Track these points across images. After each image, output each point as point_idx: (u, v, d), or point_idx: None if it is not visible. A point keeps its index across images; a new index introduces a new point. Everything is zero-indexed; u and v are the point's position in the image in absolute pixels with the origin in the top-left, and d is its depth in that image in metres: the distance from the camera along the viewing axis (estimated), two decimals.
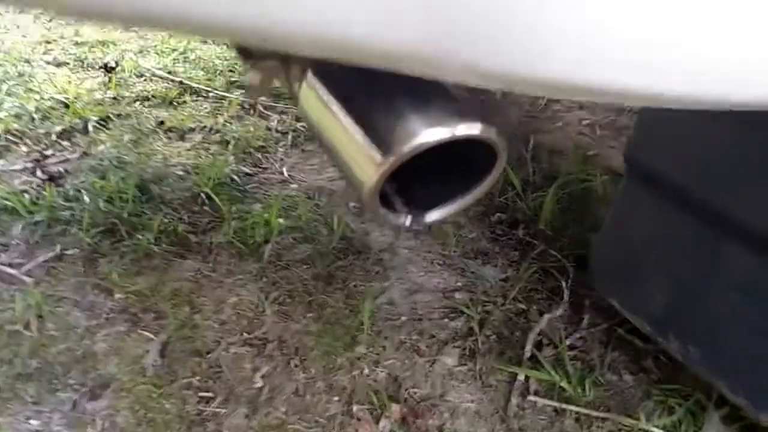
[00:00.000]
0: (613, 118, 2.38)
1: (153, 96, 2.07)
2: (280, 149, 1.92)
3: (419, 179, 0.57)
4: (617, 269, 0.84)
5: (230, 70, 2.28)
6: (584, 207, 1.77)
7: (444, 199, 0.59)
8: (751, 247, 0.67)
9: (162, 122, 1.94)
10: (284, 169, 1.83)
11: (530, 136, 2.12)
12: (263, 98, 2.08)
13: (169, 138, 1.89)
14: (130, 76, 2.17)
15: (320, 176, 1.82)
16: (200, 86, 2.15)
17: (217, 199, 1.61)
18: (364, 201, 0.53)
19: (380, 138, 0.50)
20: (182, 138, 1.90)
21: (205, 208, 1.62)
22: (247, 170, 1.80)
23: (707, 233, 0.71)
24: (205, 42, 2.48)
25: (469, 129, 0.49)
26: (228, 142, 1.89)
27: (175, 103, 2.06)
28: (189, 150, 1.85)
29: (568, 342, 1.33)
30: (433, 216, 0.59)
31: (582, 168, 1.91)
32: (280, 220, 1.56)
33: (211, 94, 2.12)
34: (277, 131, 2.00)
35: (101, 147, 1.80)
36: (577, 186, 1.84)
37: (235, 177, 1.75)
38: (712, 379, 0.77)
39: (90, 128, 1.87)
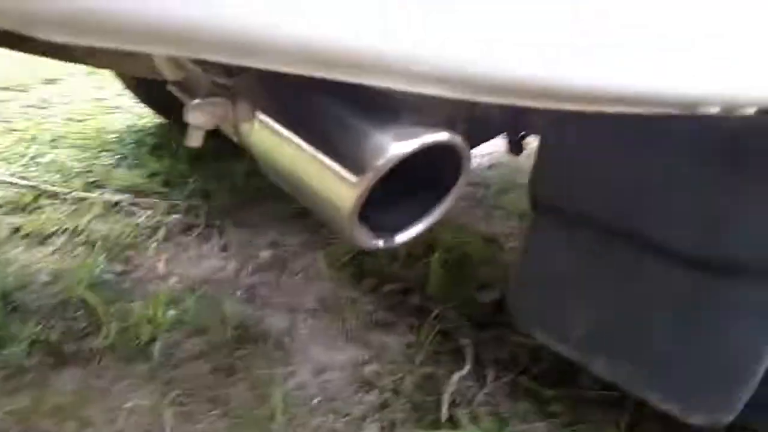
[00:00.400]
0: (470, 191, 2.54)
1: (4, 203, 1.90)
2: (152, 245, 1.82)
3: (383, 203, 0.57)
4: (536, 302, 0.88)
5: (88, 171, 2.16)
6: (467, 269, 1.85)
7: (409, 221, 0.59)
8: (669, 262, 0.74)
9: (17, 229, 1.78)
10: (160, 264, 1.73)
11: None
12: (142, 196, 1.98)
13: (28, 244, 1.73)
14: None
15: (200, 267, 1.75)
16: (57, 189, 2.01)
17: (91, 302, 1.48)
18: (343, 226, 0.52)
19: (350, 160, 0.50)
20: (42, 243, 1.75)
21: (79, 313, 1.48)
22: (119, 269, 1.68)
23: (622, 253, 0.77)
24: (55, 146, 2.34)
25: (437, 137, 0.50)
26: (94, 243, 1.77)
27: (30, 209, 1.90)
28: (52, 255, 1.70)
29: (478, 399, 1.34)
30: (403, 237, 0.59)
31: (456, 236, 2.00)
32: (169, 312, 1.46)
33: (69, 196, 1.99)
34: (146, 227, 1.90)
35: None
36: (457, 252, 1.92)
37: (108, 277, 1.63)
38: (643, 392, 0.81)
39: None
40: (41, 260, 1.67)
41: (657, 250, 0.74)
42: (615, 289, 0.79)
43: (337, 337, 1.52)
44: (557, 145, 0.82)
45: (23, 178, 2.06)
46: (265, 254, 1.85)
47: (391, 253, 1.87)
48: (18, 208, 1.89)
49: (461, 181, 0.58)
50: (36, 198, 1.96)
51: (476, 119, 1.19)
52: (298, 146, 0.54)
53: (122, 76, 2.34)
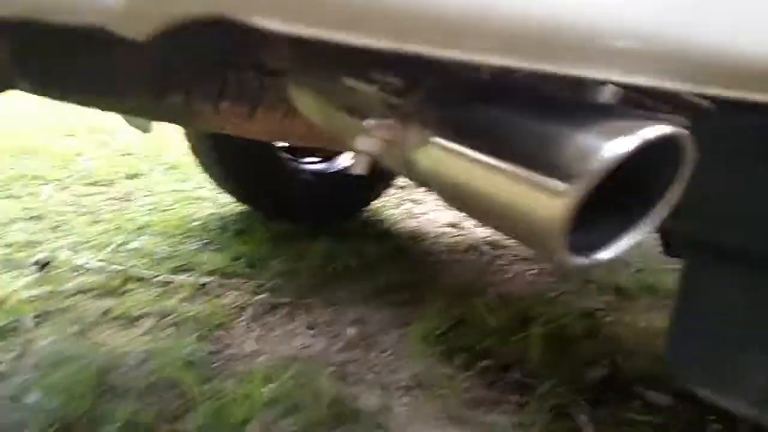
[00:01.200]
0: (556, 266, 2.46)
1: (93, 287, 1.92)
2: (241, 324, 1.80)
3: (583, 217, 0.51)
4: (701, 355, 0.78)
5: (173, 256, 2.18)
6: (568, 343, 1.74)
7: (613, 236, 0.53)
8: None
9: (106, 312, 1.78)
10: (249, 343, 1.70)
11: (488, 288, 2.13)
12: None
13: (117, 327, 1.73)
14: (65, 272, 2.03)
15: (290, 345, 1.70)
16: (143, 273, 2.03)
17: (183, 381, 1.45)
18: (550, 244, 0.46)
19: (556, 167, 0.44)
20: (132, 325, 1.74)
21: (171, 393, 1.44)
22: (210, 349, 1.65)
23: None
24: (141, 234, 2.39)
25: (660, 130, 0.44)
26: (183, 324, 1.75)
27: (118, 292, 1.91)
28: (141, 336, 1.69)
29: None
30: (609, 253, 0.53)
31: (550, 309, 1.91)
32: (264, 390, 1.41)
33: (156, 280, 2.00)
34: (233, 307, 1.88)
35: (42, 343, 1.61)
36: (553, 325, 1.82)
37: (198, 357, 1.59)
38: None
39: (26, 325, 1.69)
40: (131, 342, 1.65)
41: None
42: None
43: (437, 416, 1.43)
44: (706, 176, 0.76)
45: (110, 263, 2.09)
46: (352, 331, 1.80)
47: (482, 328, 1.79)
48: (106, 292, 1.91)
49: (679, 185, 0.50)
50: (124, 282, 1.97)
51: None
52: (487, 164, 0.49)
53: (210, 168, 2.41)
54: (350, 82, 0.59)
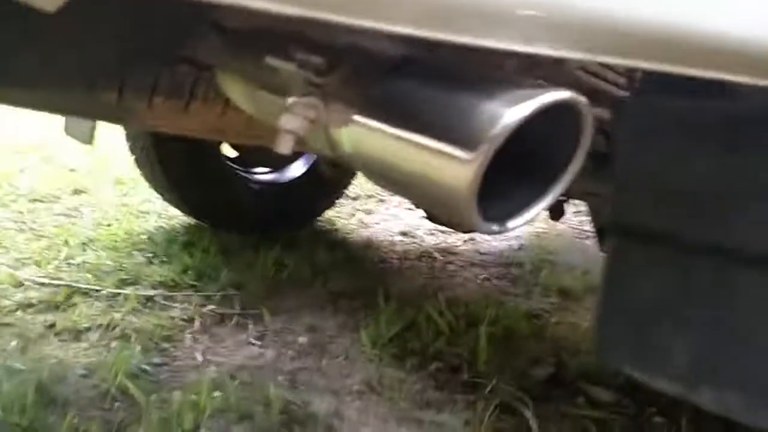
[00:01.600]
0: (504, 270, 2.51)
1: (38, 302, 1.87)
2: (188, 336, 1.78)
3: (495, 189, 0.53)
4: (626, 336, 0.82)
5: (120, 269, 2.14)
6: (515, 343, 1.78)
7: (522, 205, 0.55)
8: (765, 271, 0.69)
9: (52, 325, 1.74)
10: (197, 355, 1.68)
11: (439, 293, 2.15)
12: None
13: (63, 340, 1.69)
14: (6, 288, 1.96)
15: (238, 355, 1.69)
16: (89, 286, 1.98)
17: (133, 391, 1.42)
18: (461, 211, 0.48)
19: (463, 136, 0.47)
20: (77, 339, 1.70)
21: (117, 404, 1.42)
22: (156, 361, 1.62)
23: (718, 271, 0.72)
24: (86, 249, 2.34)
25: (558, 95, 0.47)
26: (130, 337, 1.72)
27: (63, 307, 1.87)
28: (87, 349, 1.65)
29: None
30: (518, 221, 0.55)
31: (498, 311, 1.94)
32: (212, 399, 1.39)
33: (102, 293, 1.96)
34: (181, 320, 1.86)
35: None
36: (502, 327, 1.86)
37: (145, 368, 1.57)
38: (758, 424, 0.74)
39: None
40: (76, 355, 1.62)
41: (751, 260, 0.70)
42: (712, 310, 0.74)
43: (388, 418, 1.43)
44: (634, 163, 0.80)
45: (56, 278, 2.04)
46: (304, 339, 1.79)
47: (433, 331, 1.81)
48: (50, 306, 1.86)
49: (580, 152, 0.53)
50: (68, 297, 1.93)
51: None
52: (403, 138, 0.51)
53: (155, 181, 2.38)
54: (272, 61, 0.61)
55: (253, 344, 1.76)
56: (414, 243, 2.74)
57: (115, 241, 2.41)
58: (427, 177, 0.50)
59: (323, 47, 0.57)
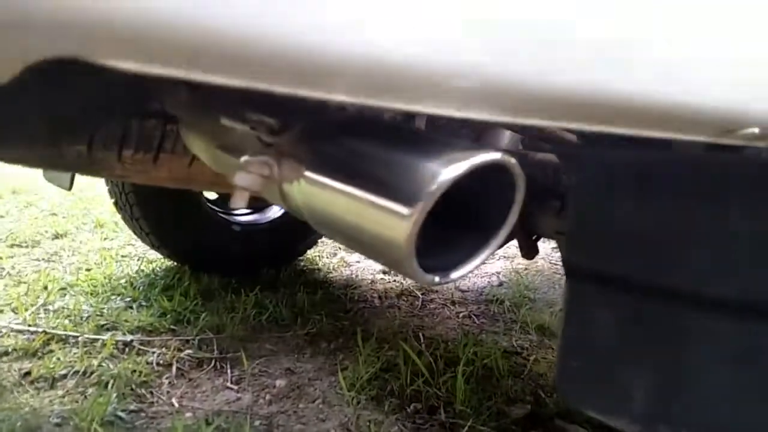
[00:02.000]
0: (484, 308, 2.52)
1: (13, 349, 1.85)
2: (165, 382, 1.77)
3: (438, 243, 0.55)
4: (587, 378, 0.83)
5: (98, 315, 2.13)
6: (491, 382, 1.78)
7: (464, 257, 0.58)
8: (726, 316, 0.71)
9: (27, 373, 1.72)
10: (174, 400, 1.67)
11: (419, 332, 2.16)
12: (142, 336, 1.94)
13: (38, 389, 1.67)
14: None
15: (215, 401, 1.68)
16: (67, 333, 1.97)
17: None
18: (401, 263, 0.50)
19: (401, 193, 0.49)
20: (53, 386, 1.69)
21: None
22: (132, 407, 1.61)
23: (673, 315, 0.74)
24: (65, 294, 2.33)
25: (488, 157, 0.50)
26: (107, 383, 1.71)
27: (39, 354, 1.85)
28: (63, 397, 1.64)
29: None
30: (459, 273, 0.57)
31: (477, 350, 1.95)
32: None
33: (79, 339, 1.95)
34: (158, 365, 1.85)
35: None
36: (478, 365, 1.86)
37: (120, 415, 1.55)
38: None
39: None
40: (52, 402, 1.60)
41: (711, 308, 0.72)
42: (666, 352, 0.76)
43: None
44: (587, 208, 0.82)
45: (33, 324, 2.03)
46: (281, 382, 1.79)
47: (413, 370, 1.81)
48: (28, 353, 1.85)
49: (515, 207, 0.56)
50: (46, 343, 1.92)
51: None
52: (348, 194, 0.54)
53: (135, 225, 2.39)
54: (226, 121, 0.64)
55: (231, 388, 1.75)
56: (395, 281, 2.75)
57: (95, 286, 2.40)
58: (370, 230, 0.53)
59: (276, 109, 0.60)
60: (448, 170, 0.49)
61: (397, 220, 0.49)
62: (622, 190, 0.82)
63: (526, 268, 3.03)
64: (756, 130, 0.49)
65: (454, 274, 0.58)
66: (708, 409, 0.75)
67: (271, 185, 0.62)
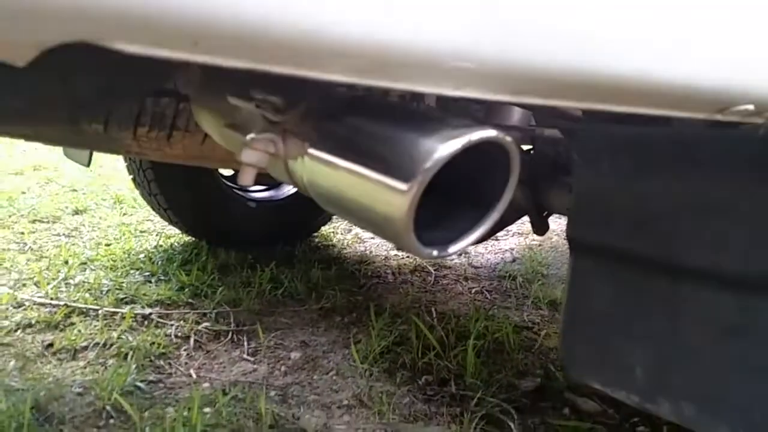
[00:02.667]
0: (497, 283, 2.54)
1: (36, 322, 1.91)
2: (183, 353, 1.81)
3: (436, 218, 0.57)
4: (589, 350, 0.85)
5: (118, 288, 2.18)
6: (502, 356, 1.81)
7: (462, 232, 0.60)
8: (720, 289, 0.72)
9: (50, 345, 1.78)
10: (192, 371, 1.71)
11: (431, 307, 2.19)
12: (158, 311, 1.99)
13: (60, 360, 1.73)
14: (6, 308, 2.01)
15: (231, 372, 1.72)
16: (88, 306, 2.03)
17: (127, 408, 1.46)
18: (400, 238, 0.53)
19: (400, 169, 0.51)
20: (74, 357, 1.74)
21: (112, 421, 1.45)
22: (151, 378, 1.66)
23: (670, 288, 0.76)
24: (85, 268, 2.39)
25: (484, 134, 0.51)
26: (126, 355, 1.76)
27: (61, 326, 1.91)
28: (84, 368, 1.69)
29: None
30: (456, 247, 0.59)
31: (488, 324, 1.97)
32: (204, 414, 1.42)
33: (100, 313, 2.00)
34: (176, 337, 1.90)
35: None
36: (489, 339, 1.89)
37: (140, 386, 1.60)
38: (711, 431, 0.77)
39: None
40: (73, 373, 1.65)
41: (708, 281, 0.73)
42: (666, 325, 0.77)
43: (376, 431, 1.46)
44: (590, 182, 0.84)
45: (54, 298, 2.08)
46: (296, 355, 1.83)
47: (425, 343, 1.84)
48: (50, 326, 1.90)
49: (511, 184, 0.58)
50: (67, 316, 1.97)
51: None
52: (349, 170, 0.56)
53: (153, 201, 2.43)
54: (233, 100, 0.66)
55: (247, 360, 1.79)
56: (408, 257, 2.78)
57: (114, 261, 2.45)
58: (370, 205, 0.55)
59: (282, 87, 0.62)
60: (443, 147, 0.51)
61: (395, 196, 0.51)
62: (623, 164, 0.83)
63: (540, 245, 3.04)
64: (751, 106, 0.50)
65: (452, 248, 0.60)
66: (706, 381, 0.76)
67: (277, 162, 0.65)
